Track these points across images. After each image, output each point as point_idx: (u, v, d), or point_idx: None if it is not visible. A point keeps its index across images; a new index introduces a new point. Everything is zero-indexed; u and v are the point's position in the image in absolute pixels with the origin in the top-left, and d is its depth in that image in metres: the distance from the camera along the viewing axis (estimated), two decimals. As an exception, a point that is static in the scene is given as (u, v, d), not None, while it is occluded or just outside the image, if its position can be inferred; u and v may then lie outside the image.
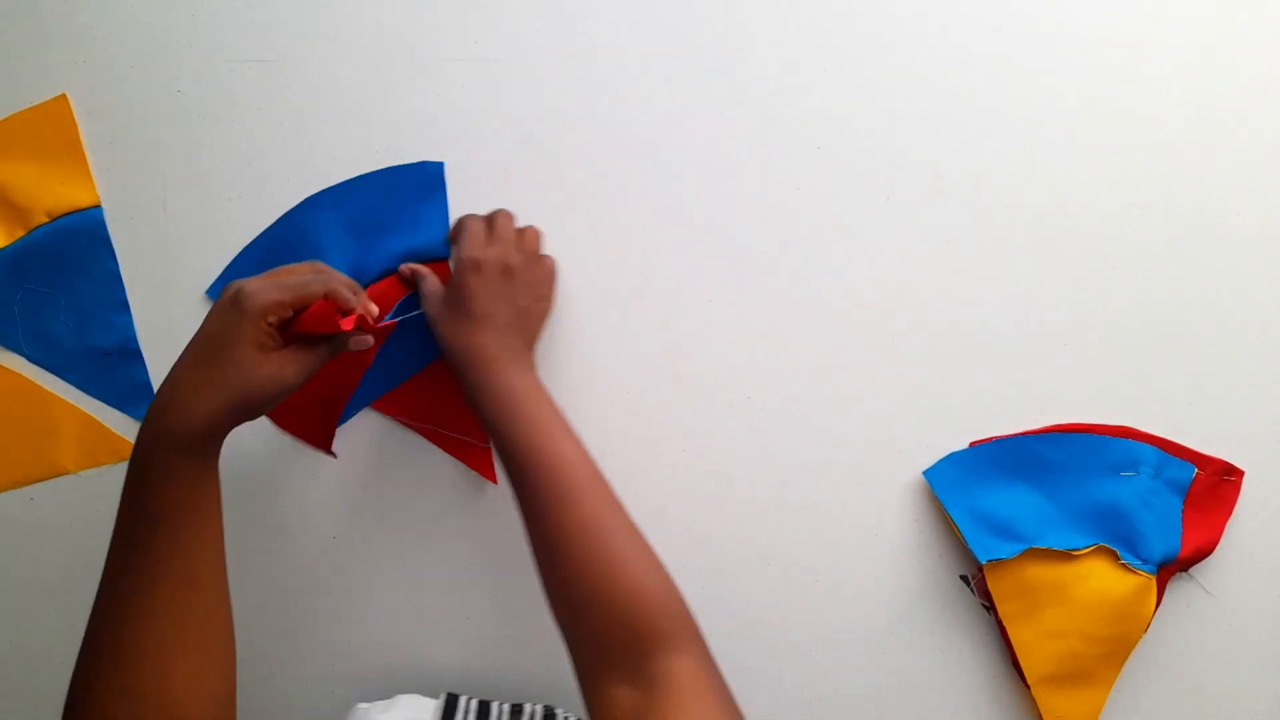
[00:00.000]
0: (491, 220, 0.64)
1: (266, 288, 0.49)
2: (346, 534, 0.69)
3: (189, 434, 0.49)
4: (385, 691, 0.65)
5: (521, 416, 0.57)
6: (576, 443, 0.57)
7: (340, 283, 0.52)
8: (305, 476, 0.69)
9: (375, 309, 0.55)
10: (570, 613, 0.53)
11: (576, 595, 0.52)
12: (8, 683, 0.69)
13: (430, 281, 0.64)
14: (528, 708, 0.63)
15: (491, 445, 0.64)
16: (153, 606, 0.49)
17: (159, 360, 0.68)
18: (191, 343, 0.50)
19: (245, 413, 0.50)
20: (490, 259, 0.62)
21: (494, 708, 0.63)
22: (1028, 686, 0.67)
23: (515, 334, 0.61)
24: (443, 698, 0.63)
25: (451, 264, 0.65)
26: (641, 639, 0.50)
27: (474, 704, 0.63)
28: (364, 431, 0.69)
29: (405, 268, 0.66)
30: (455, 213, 0.67)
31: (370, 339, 0.56)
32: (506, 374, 0.59)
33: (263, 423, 0.67)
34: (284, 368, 0.50)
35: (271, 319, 0.49)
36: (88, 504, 0.69)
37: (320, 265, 0.54)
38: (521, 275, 0.62)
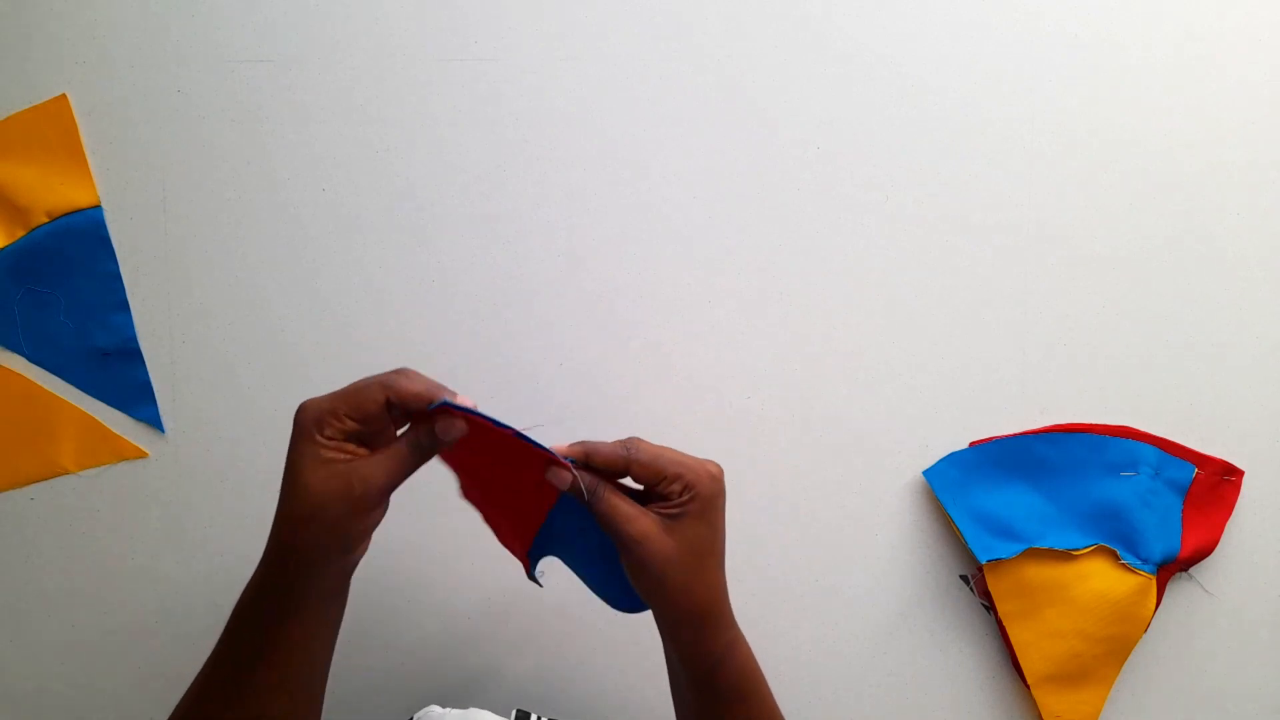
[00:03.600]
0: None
1: (319, 400, 0.44)
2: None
3: (272, 571, 0.45)
4: (455, 699, 0.65)
5: (763, 690, 0.49)
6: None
7: (407, 381, 0.44)
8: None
9: (452, 393, 0.45)
10: None
11: None
12: (8, 683, 0.69)
13: (624, 507, 0.47)
14: None
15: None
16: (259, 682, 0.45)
17: (159, 360, 0.68)
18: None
19: (325, 539, 0.44)
20: (720, 470, 0.48)
21: None
22: (1027, 686, 0.67)
23: None
24: (513, 714, 0.62)
25: (686, 482, 0.47)
26: None
27: None
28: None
29: (563, 473, 0.47)
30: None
31: (460, 425, 0.45)
32: (737, 624, 0.49)
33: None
34: (352, 474, 0.44)
35: (327, 431, 0.43)
36: (88, 504, 0.69)
37: (399, 372, 0.45)
38: None
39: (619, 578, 0.49)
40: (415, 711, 0.62)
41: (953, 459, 0.68)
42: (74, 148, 0.67)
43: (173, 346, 0.68)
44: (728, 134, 0.68)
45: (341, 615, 0.49)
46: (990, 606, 0.68)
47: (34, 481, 0.69)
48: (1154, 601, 0.66)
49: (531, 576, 0.52)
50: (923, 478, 0.68)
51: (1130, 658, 0.68)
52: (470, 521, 0.69)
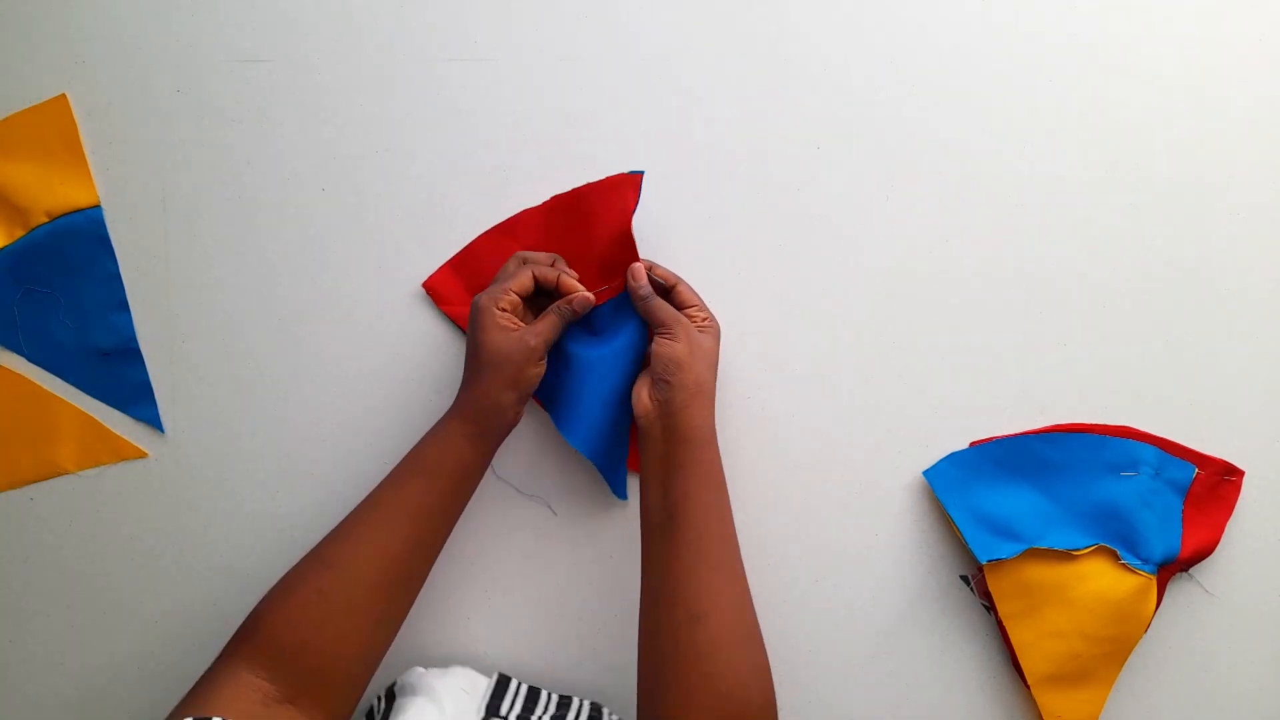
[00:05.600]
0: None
1: (490, 291, 0.60)
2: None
3: (466, 405, 0.59)
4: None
5: (723, 483, 0.62)
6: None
7: (539, 263, 0.62)
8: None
9: (574, 278, 0.62)
10: (664, 690, 0.55)
11: (677, 679, 0.54)
12: (8, 683, 0.70)
13: (668, 305, 0.63)
14: (575, 701, 0.64)
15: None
16: (374, 537, 0.57)
17: (159, 360, 0.68)
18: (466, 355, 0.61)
19: (508, 378, 0.59)
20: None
21: (543, 695, 0.64)
22: (1028, 686, 0.67)
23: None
24: (495, 676, 0.64)
25: (708, 313, 0.63)
26: None
27: (524, 688, 0.64)
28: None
29: (643, 268, 0.63)
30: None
31: (591, 297, 0.61)
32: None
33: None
34: (521, 337, 0.59)
35: (500, 305, 0.59)
36: (88, 504, 0.69)
37: (523, 255, 0.63)
38: None
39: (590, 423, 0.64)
40: (398, 676, 0.62)
41: (953, 459, 0.68)
42: (74, 148, 0.67)
43: (173, 346, 0.68)
44: (728, 134, 0.68)
45: (469, 496, 0.61)
46: (990, 606, 0.68)
47: (33, 481, 0.69)
48: (1154, 602, 0.66)
49: None
50: (923, 478, 0.68)
51: (1131, 658, 0.68)
52: (467, 519, 0.69)
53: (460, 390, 0.61)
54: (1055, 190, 0.68)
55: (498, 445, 0.61)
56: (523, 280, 0.60)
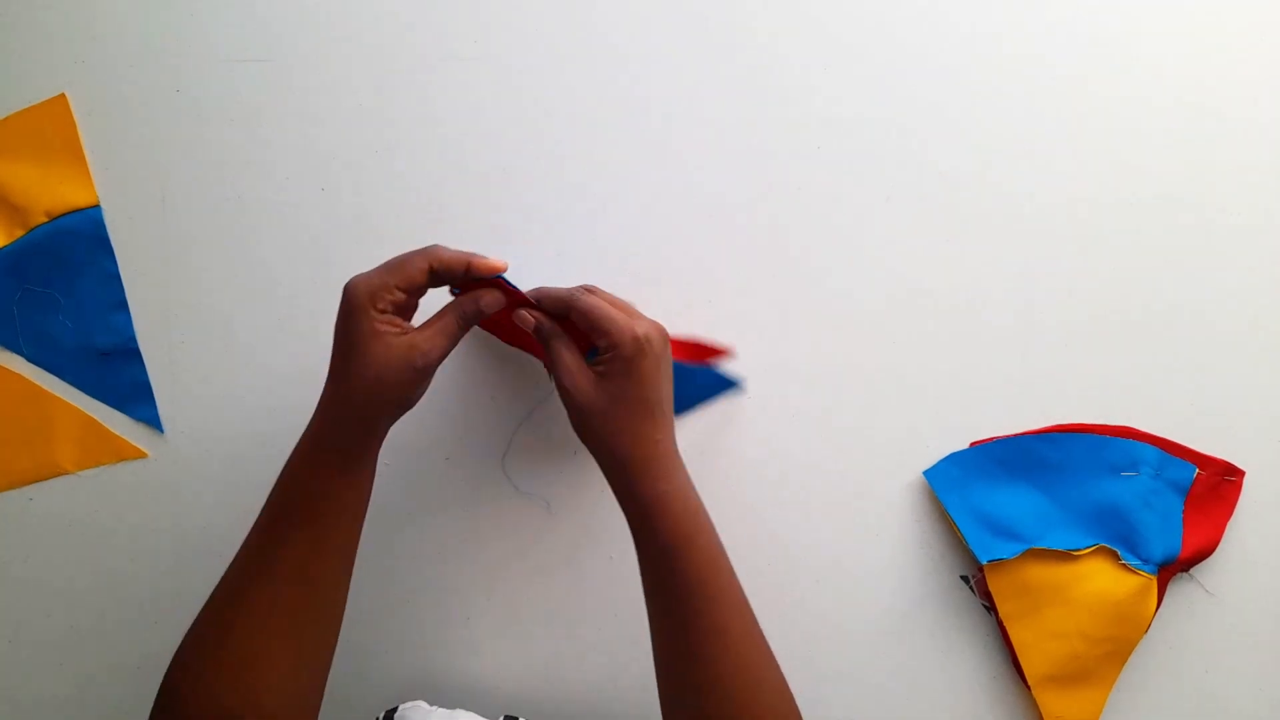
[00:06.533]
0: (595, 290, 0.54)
1: (369, 276, 0.48)
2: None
3: (332, 432, 0.49)
4: (441, 701, 0.65)
5: (700, 541, 0.52)
6: (734, 574, 0.53)
7: (444, 250, 0.49)
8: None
9: (496, 263, 0.50)
10: None
11: None
12: (7, 683, 0.69)
13: (565, 357, 0.51)
14: None
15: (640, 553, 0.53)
16: (265, 594, 0.49)
17: (158, 360, 0.68)
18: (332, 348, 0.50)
19: (387, 404, 0.49)
20: (655, 333, 0.50)
21: None
22: (1028, 687, 0.67)
23: (671, 424, 0.52)
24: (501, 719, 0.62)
25: (610, 340, 0.50)
26: None
27: None
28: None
29: (529, 315, 0.53)
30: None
31: (500, 296, 0.50)
32: (685, 482, 0.52)
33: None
34: (413, 349, 0.48)
35: (380, 305, 0.48)
36: (87, 504, 0.69)
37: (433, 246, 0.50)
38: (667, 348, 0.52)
39: None
40: (402, 703, 0.62)
41: (953, 459, 0.68)
42: (73, 147, 0.67)
43: (172, 346, 0.68)
44: (729, 132, 0.68)
45: (370, 488, 0.52)
46: (991, 607, 0.68)
47: (33, 482, 0.69)
48: (1155, 602, 0.66)
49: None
50: (923, 478, 0.68)
51: (1131, 658, 0.68)
52: (466, 518, 0.69)
53: (322, 403, 0.50)
54: (1056, 190, 0.68)
55: (376, 453, 0.52)
56: (411, 273, 0.48)
